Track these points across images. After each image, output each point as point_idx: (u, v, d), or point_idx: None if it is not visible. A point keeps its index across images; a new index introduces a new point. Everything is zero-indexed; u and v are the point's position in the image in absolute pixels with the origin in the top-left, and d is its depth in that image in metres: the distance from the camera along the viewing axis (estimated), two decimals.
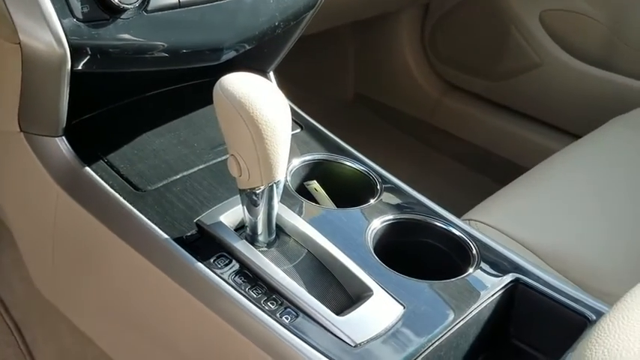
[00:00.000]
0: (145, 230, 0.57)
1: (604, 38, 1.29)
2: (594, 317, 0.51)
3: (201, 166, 0.65)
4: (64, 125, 0.61)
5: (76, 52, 0.52)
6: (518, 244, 0.70)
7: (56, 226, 0.66)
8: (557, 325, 0.52)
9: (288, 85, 0.76)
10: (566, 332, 0.51)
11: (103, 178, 0.61)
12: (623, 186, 0.86)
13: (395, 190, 0.66)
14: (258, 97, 0.49)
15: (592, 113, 1.19)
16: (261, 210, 0.55)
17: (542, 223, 0.77)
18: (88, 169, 0.62)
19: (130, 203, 0.59)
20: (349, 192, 0.67)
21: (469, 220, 0.74)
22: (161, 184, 0.62)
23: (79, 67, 0.54)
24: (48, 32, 0.51)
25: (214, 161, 0.66)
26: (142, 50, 0.57)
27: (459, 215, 0.66)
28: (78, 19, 0.52)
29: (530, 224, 0.76)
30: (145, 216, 0.58)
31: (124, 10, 0.54)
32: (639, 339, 0.34)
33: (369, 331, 0.48)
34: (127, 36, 0.55)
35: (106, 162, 0.63)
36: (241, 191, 0.55)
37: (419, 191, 0.66)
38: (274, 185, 0.53)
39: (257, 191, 0.54)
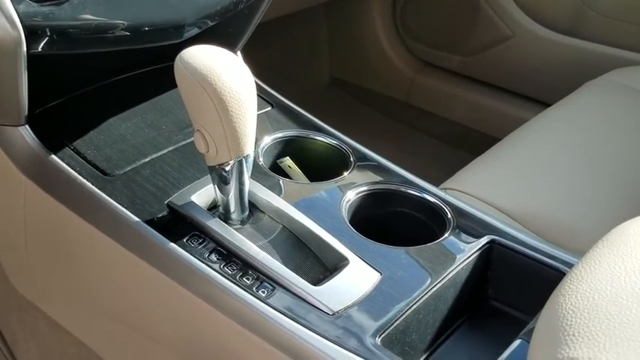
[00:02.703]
0: (115, 214, 0.56)
1: (572, 7, 1.30)
2: (568, 269, 0.51)
3: (170, 148, 0.64)
4: (27, 114, 0.59)
5: (32, 34, 0.51)
6: (495, 209, 0.70)
7: (26, 218, 0.64)
8: (534, 282, 0.52)
9: (262, 70, 0.75)
10: (544, 289, 0.51)
11: (70, 165, 0.60)
12: (595, 148, 0.86)
13: (369, 161, 0.65)
14: (221, 68, 0.48)
15: (565, 81, 1.20)
16: (232, 187, 0.54)
17: (517, 188, 0.77)
18: (54, 156, 0.60)
19: (99, 189, 0.58)
20: (323, 167, 0.67)
21: (445, 189, 0.74)
22: (130, 168, 0.61)
23: (38, 50, 0.53)
24: (1, 15, 0.49)
25: (183, 142, 0.65)
26: (100, 29, 0.55)
27: (435, 186, 0.66)
28: (32, 0, 0.50)
29: (506, 190, 0.76)
30: (115, 200, 0.57)
31: None
32: (610, 282, 0.34)
33: (346, 299, 0.48)
34: (84, 15, 0.54)
35: (72, 149, 0.62)
36: (210, 168, 0.54)
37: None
38: (243, 160, 0.53)
39: (226, 167, 0.53)
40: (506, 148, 0.88)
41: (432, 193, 0.60)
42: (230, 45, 0.79)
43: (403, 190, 0.61)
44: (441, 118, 1.53)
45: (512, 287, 0.54)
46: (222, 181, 0.54)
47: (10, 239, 0.69)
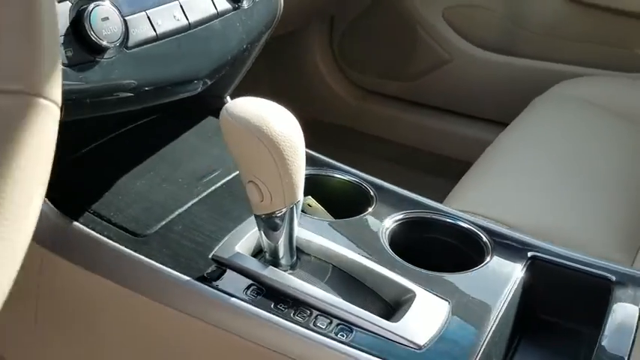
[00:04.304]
0: (160, 276, 0.53)
1: (504, 27, 1.40)
2: (614, 278, 0.55)
3: (194, 201, 0.62)
4: None
5: (65, 100, 0.48)
6: (505, 225, 0.74)
7: (40, 292, 0.60)
8: (580, 291, 0.56)
9: None
10: (590, 297, 0.55)
11: (96, 230, 0.56)
12: (569, 158, 0.93)
13: (387, 193, 0.67)
14: (273, 117, 0.48)
15: (511, 99, 1.28)
16: (283, 233, 0.53)
17: (517, 204, 0.82)
18: (76, 224, 0.56)
19: (135, 251, 0.55)
20: (342, 204, 0.67)
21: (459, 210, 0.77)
22: (160, 226, 0.58)
23: (68, 117, 0.50)
24: None
25: (205, 193, 0.63)
26: (128, 89, 0.53)
27: None
28: (64, 64, 0.48)
29: (508, 206, 0.81)
30: (156, 261, 0.54)
31: (107, 49, 0.50)
32: None
33: (429, 331, 0.48)
34: (113, 76, 0.51)
35: (92, 213, 0.58)
36: (259, 216, 0.53)
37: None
38: (294, 206, 0.52)
39: (278, 214, 0.52)
40: (490, 167, 0.93)
41: (463, 218, 0.62)
42: (220, 91, 0.78)
43: (435, 217, 0.63)
44: (389, 141, 1.58)
45: (559, 298, 0.57)
46: (271, 228, 0.53)
47: (17, 311, 0.63)
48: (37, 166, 0.29)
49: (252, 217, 0.60)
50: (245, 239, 0.57)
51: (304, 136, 0.50)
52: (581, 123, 1.04)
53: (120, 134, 0.70)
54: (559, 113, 1.09)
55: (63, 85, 0.48)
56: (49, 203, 0.57)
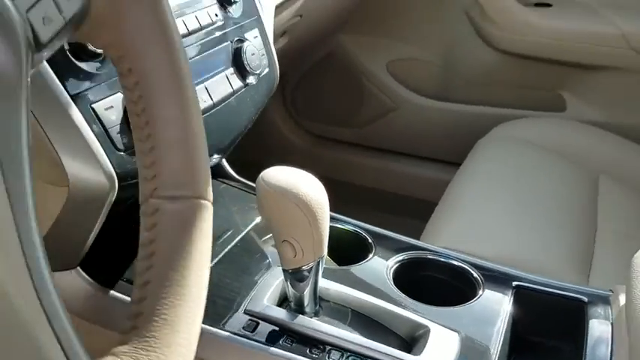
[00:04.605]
0: (201, 334, 0.58)
1: (442, 76, 1.55)
2: (587, 299, 0.65)
3: (215, 260, 0.67)
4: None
5: (122, 183, 0.53)
6: (484, 258, 0.84)
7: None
8: (559, 313, 0.66)
9: None
10: (569, 316, 0.65)
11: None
12: (519, 192, 1.06)
13: (383, 238, 0.75)
14: (304, 183, 0.55)
15: (456, 141, 1.41)
16: (309, 283, 0.60)
17: (486, 237, 0.92)
18: (113, 292, 0.60)
19: None
20: (341, 251, 0.75)
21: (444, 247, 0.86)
22: None
23: (121, 197, 0.55)
24: (100, 171, 0.51)
25: (223, 253, 0.69)
26: None
27: None
28: (119, 150, 0.53)
29: (479, 240, 0.91)
30: None
31: None
32: None
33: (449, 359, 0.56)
34: None
35: (125, 281, 0.62)
36: (286, 270, 0.59)
37: None
38: (320, 259, 0.59)
39: (306, 268, 0.59)
40: (454, 204, 1.03)
41: (454, 257, 0.71)
42: (222, 153, 0.84)
43: (432, 257, 0.71)
44: (343, 182, 1.68)
45: (542, 321, 0.67)
46: (298, 280, 0.59)
47: None
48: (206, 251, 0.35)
49: (272, 270, 0.66)
50: (270, 292, 0.63)
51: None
52: (522, 161, 1.17)
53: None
54: (502, 153, 1.22)
55: (119, 171, 0.53)
56: (84, 274, 0.60)
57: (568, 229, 1.00)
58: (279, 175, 0.56)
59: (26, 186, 0.26)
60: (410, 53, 1.54)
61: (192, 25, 0.65)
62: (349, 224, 0.77)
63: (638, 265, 0.59)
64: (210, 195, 0.37)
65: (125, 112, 0.54)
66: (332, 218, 0.78)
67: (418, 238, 1.00)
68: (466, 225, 0.96)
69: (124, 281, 0.62)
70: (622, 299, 0.62)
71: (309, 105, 1.69)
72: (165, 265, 0.33)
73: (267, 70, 0.77)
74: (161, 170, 0.34)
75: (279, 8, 0.95)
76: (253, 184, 0.82)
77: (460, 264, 0.70)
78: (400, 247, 0.73)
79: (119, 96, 0.53)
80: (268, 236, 0.73)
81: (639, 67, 1.25)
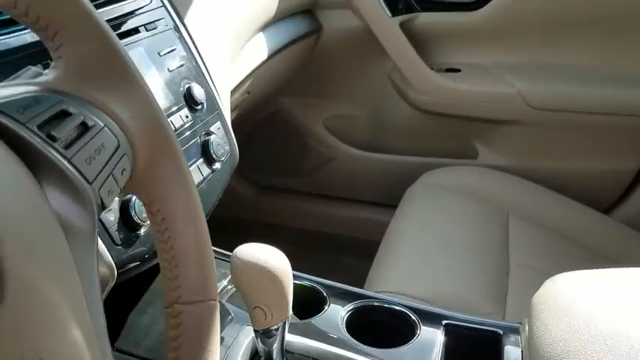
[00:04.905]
0: None
1: (372, 130, 1.72)
2: (501, 331, 0.82)
3: None
4: None
5: (120, 274, 0.65)
6: (420, 299, 1.00)
7: None
8: (482, 345, 0.82)
9: None
10: (489, 347, 0.81)
11: None
12: (446, 234, 1.23)
13: (335, 289, 0.89)
14: (273, 259, 0.69)
15: (389, 187, 1.59)
16: (277, 340, 0.73)
17: (420, 278, 1.08)
18: None
19: None
20: (301, 305, 0.88)
21: (382, 292, 1.01)
22: None
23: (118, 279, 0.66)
24: (102, 263, 0.63)
25: None
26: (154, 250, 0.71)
27: None
28: (117, 245, 0.65)
29: (415, 281, 1.07)
30: None
31: (143, 224, 0.68)
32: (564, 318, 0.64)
33: None
34: (148, 244, 0.69)
35: (116, 350, 0.74)
36: (257, 330, 0.73)
37: None
38: (287, 318, 0.73)
39: (275, 327, 0.72)
40: (392, 248, 1.19)
41: (394, 302, 0.86)
42: None
43: (377, 304, 0.86)
44: (290, 228, 1.82)
45: (467, 353, 0.83)
46: (268, 338, 0.73)
47: None
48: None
49: (243, 330, 0.79)
50: (242, 351, 0.76)
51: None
52: (445, 206, 1.35)
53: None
54: (428, 200, 1.39)
55: (118, 264, 0.65)
56: None
57: (485, 266, 1.18)
58: (251, 252, 0.69)
59: (100, 306, 0.38)
60: (343, 111, 1.71)
61: None
62: (306, 280, 0.91)
63: (536, 304, 0.76)
64: (217, 294, 0.50)
65: (121, 213, 0.66)
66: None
67: (361, 276, 1.16)
68: (402, 269, 1.12)
69: (114, 350, 0.74)
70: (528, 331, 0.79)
71: (255, 158, 1.83)
72: (190, 355, 0.46)
73: (229, 154, 0.91)
74: (183, 282, 0.47)
75: (232, 91, 1.09)
76: (220, 250, 0.95)
77: (399, 308, 0.86)
78: (350, 297, 0.88)
79: (115, 200, 0.66)
80: (237, 299, 0.86)
81: (535, 120, 1.47)
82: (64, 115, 0.37)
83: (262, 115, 1.72)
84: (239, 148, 1.81)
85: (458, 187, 1.42)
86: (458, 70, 1.51)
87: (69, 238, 0.34)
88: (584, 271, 0.75)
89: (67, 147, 0.36)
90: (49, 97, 0.37)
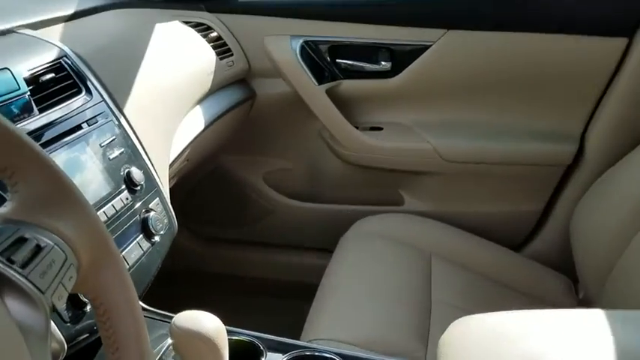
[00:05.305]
0: None
1: (308, 183, 1.86)
2: None
3: None
4: None
5: (70, 347, 0.75)
6: (350, 344, 1.12)
7: None
8: None
9: None
10: None
11: None
12: (377, 279, 1.36)
13: (272, 342, 1.00)
14: (208, 325, 0.81)
15: (326, 234, 1.72)
16: None
17: (352, 324, 1.20)
18: None
19: None
20: (240, 359, 0.99)
21: (316, 339, 1.13)
22: None
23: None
24: (54, 342, 0.73)
25: None
26: None
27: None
28: (66, 322, 0.75)
29: (347, 327, 1.19)
30: None
31: (88, 303, 0.79)
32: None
33: None
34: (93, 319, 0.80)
35: None
36: None
37: None
38: None
39: None
40: (325, 298, 1.32)
41: (326, 350, 0.98)
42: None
43: (309, 352, 0.98)
44: (233, 276, 1.93)
45: None
46: None
47: None
48: None
49: None
50: None
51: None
52: (375, 251, 1.47)
53: None
54: (360, 246, 1.52)
55: (68, 336, 0.75)
56: None
57: (410, 307, 1.32)
58: (188, 320, 0.81)
59: None
60: (280, 165, 1.85)
61: (110, 212, 0.89)
62: (244, 335, 1.02)
63: (442, 346, 0.89)
64: None
65: (70, 297, 0.76)
66: (230, 332, 1.02)
67: (302, 319, 1.27)
68: (335, 315, 1.24)
69: None
70: None
71: (199, 213, 1.94)
72: None
73: (168, 226, 1.02)
74: None
75: (171, 164, 1.21)
76: (162, 312, 1.05)
77: (330, 356, 0.98)
78: (285, 348, 0.99)
79: None
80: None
81: (449, 170, 1.63)
82: (21, 241, 0.48)
83: (204, 173, 1.84)
84: (183, 203, 1.94)
85: (386, 233, 1.56)
86: (380, 129, 1.66)
87: (26, 338, 0.45)
88: (486, 314, 0.87)
89: (24, 266, 0.47)
90: (7, 227, 0.48)
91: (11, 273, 0.46)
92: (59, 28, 1.13)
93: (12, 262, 0.47)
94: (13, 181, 0.51)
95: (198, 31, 1.51)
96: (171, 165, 1.22)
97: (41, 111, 0.87)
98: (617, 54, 1.41)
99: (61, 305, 0.51)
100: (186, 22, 1.50)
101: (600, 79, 1.46)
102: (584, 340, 0.75)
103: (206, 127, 1.43)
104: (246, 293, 1.86)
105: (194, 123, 1.38)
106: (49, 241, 0.50)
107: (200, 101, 1.43)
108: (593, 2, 1.42)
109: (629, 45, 1.40)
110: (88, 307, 0.78)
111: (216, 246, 1.96)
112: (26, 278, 0.47)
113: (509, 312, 0.86)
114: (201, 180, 1.87)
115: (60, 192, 0.53)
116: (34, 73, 0.91)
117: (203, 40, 1.50)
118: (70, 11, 1.21)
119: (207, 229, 1.95)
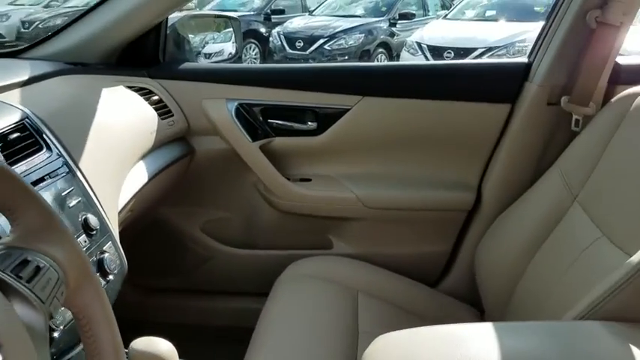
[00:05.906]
0: None
1: (244, 229, 2.00)
2: None
3: None
4: None
5: None
6: None
7: None
8: None
9: None
10: None
11: None
12: (312, 315, 1.47)
13: None
14: (163, 346, 0.93)
15: (263, 279, 1.85)
16: None
17: None
18: None
19: None
20: None
21: None
22: None
23: None
24: None
25: None
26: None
27: None
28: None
29: None
30: None
31: (57, 329, 0.90)
32: None
33: None
34: (61, 346, 0.90)
35: None
36: None
37: None
38: None
39: None
40: (263, 335, 1.44)
41: None
42: None
43: None
44: (175, 324, 2.01)
45: None
46: None
47: None
48: None
49: None
50: None
51: None
52: (307, 292, 1.61)
53: None
54: (293, 288, 1.66)
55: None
56: None
57: (340, 339, 1.46)
58: (145, 344, 0.93)
59: None
60: (217, 215, 1.98)
61: None
62: None
63: (365, 357, 1.04)
64: None
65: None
66: None
67: None
68: (270, 356, 1.37)
69: None
70: None
71: (138, 263, 2.02)
72: None
73: (120, 266, 1.14)
74: None
75: (119, 212, 1.33)
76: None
77: None
78: None
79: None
80: None
81: (372, 216, 1.84)
82: (25, 262, 0.61)
83: (145, 224, 1.94)
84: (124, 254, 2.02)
85: (317, 274, 1.72)
86: (309, 180, 1.84)
87: (31, 335, 0.57)
88: (403, 330, 1.04)
89: (29, 281, 0.60)
90: (14, 252, 0.62)
91: (20, 286, 0.59)
92: (17, 92, 1.26)
93: (20, 277, 0.60)
94: (14, 217, 0.64)
95: (141, 95, 1.66)
96: (119, 213, 1.34)
97: (11, 165, 0.99)
98: (503, 117, 1.72)
99: (56, 315, 0.63)
100: (129, 87, 1.66)
101: (490, 137, 1.75)
102: (477, 341, 0.93)
103: (149, 180, 1.56)
104: (188, 339, 1.94)
105: (138, 176, 1.51)
106: (45, 263, 0.64)
107: (143, 157, 1.57)
108: (482, 75, 1.72)
109: (512, 110, 1.71)
110: (56, 334, 0.89)
111: (155, 295, 2.05)
112: (31, 291, 0.60)
113: (418, 328, 1.04)
114: (140, 232, 1.97)
115: (50, 224, 0.67)
116: (3, 132, 1.03)
117: (145, 103, 1.65)
118: (24, 77, 1.34)
119: (146, 279, 2.04)
